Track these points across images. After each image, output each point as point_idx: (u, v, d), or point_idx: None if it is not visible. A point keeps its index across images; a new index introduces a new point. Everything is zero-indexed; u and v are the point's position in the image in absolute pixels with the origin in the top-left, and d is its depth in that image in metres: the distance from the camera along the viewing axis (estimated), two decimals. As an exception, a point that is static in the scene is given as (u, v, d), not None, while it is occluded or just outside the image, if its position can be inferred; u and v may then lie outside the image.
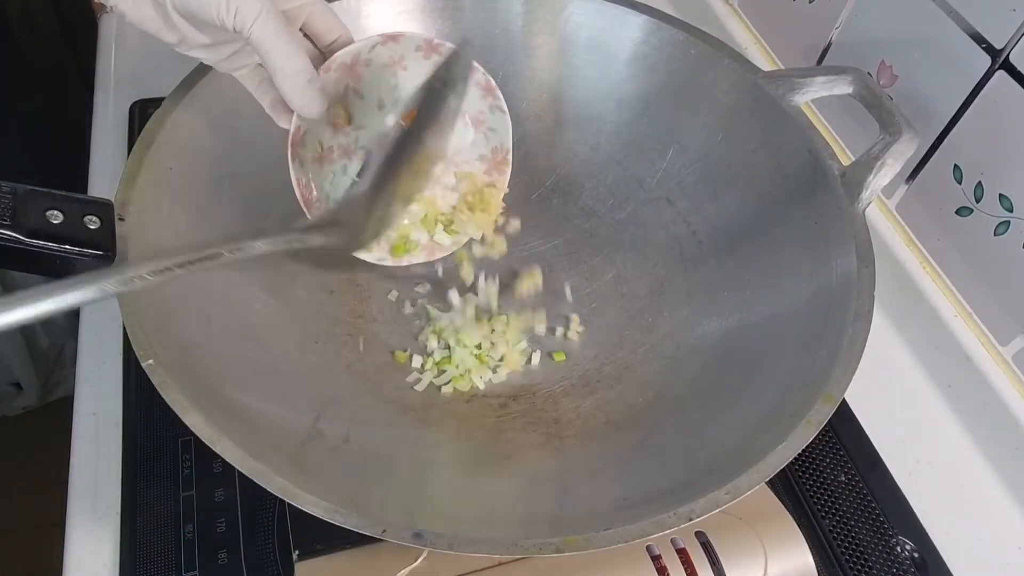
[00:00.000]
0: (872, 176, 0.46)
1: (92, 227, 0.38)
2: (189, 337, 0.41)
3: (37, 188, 0.38)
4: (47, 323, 1.15)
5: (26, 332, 1.13)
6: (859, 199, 0.46)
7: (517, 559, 0.39)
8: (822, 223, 0.48)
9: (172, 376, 0.36)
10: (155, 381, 0.35)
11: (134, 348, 0.36)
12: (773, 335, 0.47)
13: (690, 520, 0.35)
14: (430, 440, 0.46)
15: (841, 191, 0.47)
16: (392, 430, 0.46)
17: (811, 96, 0.51)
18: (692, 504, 0.35)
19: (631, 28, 0.56)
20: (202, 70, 0.48)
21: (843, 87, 0.50)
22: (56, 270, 0.38)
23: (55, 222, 0.37)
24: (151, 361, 0.36)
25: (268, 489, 0.33)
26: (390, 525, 0.33)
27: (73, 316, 0.54)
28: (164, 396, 0.35)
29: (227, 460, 0.34)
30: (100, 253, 0.38)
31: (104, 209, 0.39)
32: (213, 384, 0.39)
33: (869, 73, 0.57)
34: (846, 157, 0.64)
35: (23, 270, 0.38)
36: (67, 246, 0.37)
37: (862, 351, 0.41)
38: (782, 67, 0.73)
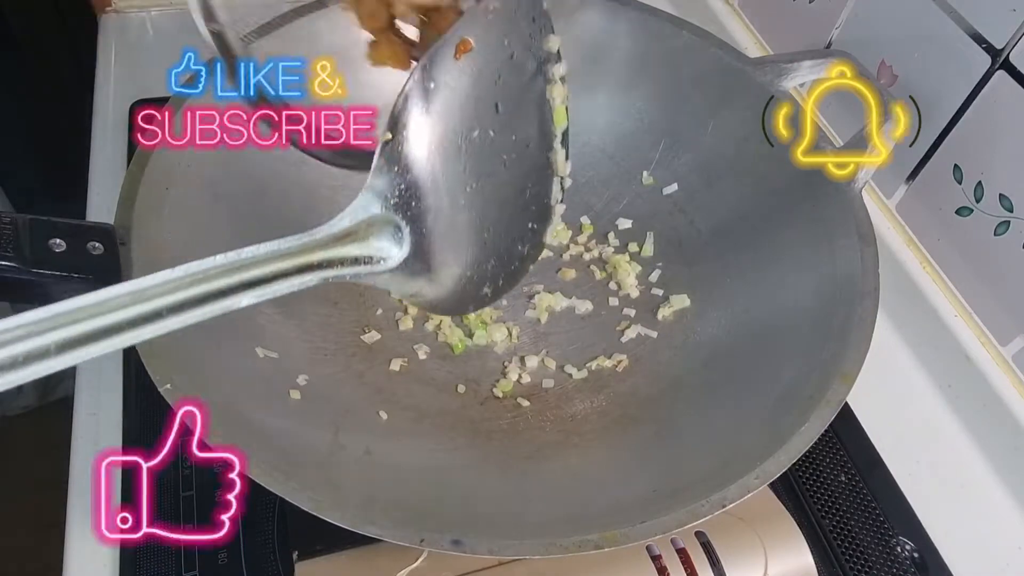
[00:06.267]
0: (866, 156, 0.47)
1: (95, 253, 0.38)
2: (200, 357, 0.40)
3: (37, 217, 0.37)
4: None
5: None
6: (855, 180, 0.47)
7: (516, 559, 0.39)
8: (819, 206, 0.48)
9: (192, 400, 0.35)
10: (175, 405, 0.35)
11: (150, 374, 0.36)
12: (781, 319, 0.47)
13: (723, 507, 0.35)
14: (449, 445, 0.46)
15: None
16: (410, 438, 0.46)
17: (799, 80, 0.52)
18: (723, 491, 0.35)
19: (616, 21, 0.56)
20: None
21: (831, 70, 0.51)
22: (61, 299, 0.37)
23: (58, 251, 0.36)
24: (168, 386, 0.35)
25: (301, 507, 0.33)
26: (428, 534, 0.33)
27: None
28: (186, 420, 0.34)
29: (257, 481, 0.34)
30: (106, 279, 0.37)
31: (106, 234, 0.39)
32: (230, 404, 0.38)
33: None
34: (836, 143, 0.64)
35: (26, 301, 0.37)
36: (73, 274, 0.37)
37: (872, 329, 0.41)
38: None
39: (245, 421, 0.38)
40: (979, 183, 0.53)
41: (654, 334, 0.52)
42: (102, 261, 0.38)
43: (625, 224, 0.57)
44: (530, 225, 0.39)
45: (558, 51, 0.37)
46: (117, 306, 0.26)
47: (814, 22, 0.66)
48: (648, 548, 0.41)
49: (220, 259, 0.27)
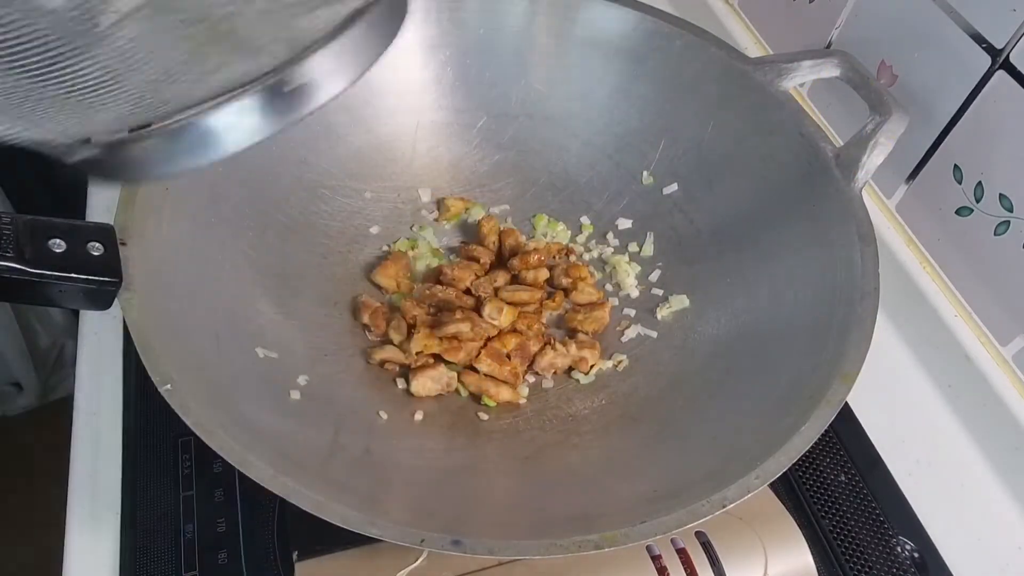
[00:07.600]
0: (866, 156, 0.47)
1: (96, 253, 0.38)
2: (200, 357, 0.40)
3: (37, 217, 0.37)
4: (47, 323, 1.15)
5: (26, 332, 1.12)
6: (855, 179, 0.47)
7: (516, 559, 0.39)
8: (820, 205, 0.48)
9: (192, 400, 0.35)
10: (175, 406, 0.35)
11: (150, 374, 0.36)
12: (781, 319, 0.47)
13: (723, 507, 0.35)
14: (449, 445, 0.46)
15: (836, 172, 0.47)
16: (410, 439, 0.46)
17: (798, 80, 0.52)
18: (724, 491, 0.35)
19: (616, 21, 0.56)
20: None
21: (830, 70, 0.51)
22: (61, 299, 0.37)
23: (58, 251, 0.36)
24: (169, 386, 0.35)
25: (301, 507, 0.33)
26: (428, 534, 0.33)
27: (73, 316, 0.54)
28: (186, 421, 0.34)
29: (258, 481, 0.34)
30: (107, 279, 0.38)
31: (106, 234, 0.39)
32: (230, 404, 0.39)
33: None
34: (836, 143, 0.64)
35: (26, 302, 0.37)
36: (74, 274, 0.37)
37: (872, 329, 0.41)
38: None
39: (245, 421, 0.38)
40: (979, 183, 0.53)
41: (654, 334, 0.52)
42: (102, 261, 0.38)
43: (625, 224, 0.57)
44: None
45: None
46: None
47: (814, 22, 0.66)
48: (648, 548, 0.41)
49: None
